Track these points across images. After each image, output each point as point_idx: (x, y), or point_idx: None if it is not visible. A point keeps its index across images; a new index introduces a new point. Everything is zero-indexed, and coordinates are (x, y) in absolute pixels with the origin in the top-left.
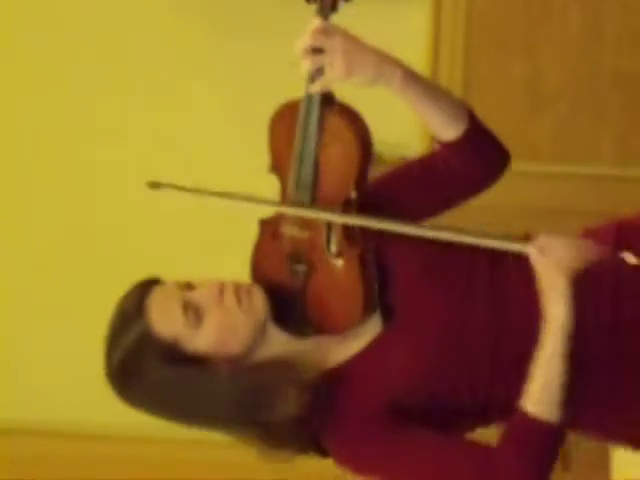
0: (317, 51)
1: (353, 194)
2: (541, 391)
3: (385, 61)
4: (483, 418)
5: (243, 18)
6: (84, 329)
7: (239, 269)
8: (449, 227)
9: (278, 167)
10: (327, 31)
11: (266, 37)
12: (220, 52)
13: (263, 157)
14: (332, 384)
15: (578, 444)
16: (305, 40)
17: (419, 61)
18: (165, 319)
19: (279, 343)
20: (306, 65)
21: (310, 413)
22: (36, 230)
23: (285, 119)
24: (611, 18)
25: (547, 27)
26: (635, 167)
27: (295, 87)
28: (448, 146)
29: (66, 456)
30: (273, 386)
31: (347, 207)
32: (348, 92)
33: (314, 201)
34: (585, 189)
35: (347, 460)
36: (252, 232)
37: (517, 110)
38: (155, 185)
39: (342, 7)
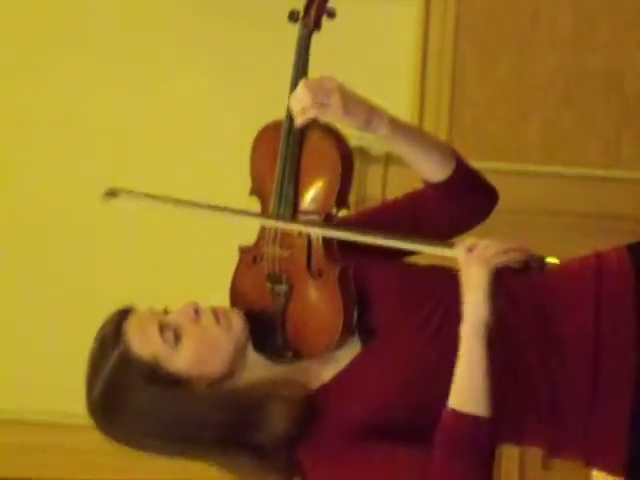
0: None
1: (334, 210)
2: (465, 385)
3: (374, 109)
4: None
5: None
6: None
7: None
8: (379, 231)
9: (259, 188)
10: (321, 80)
11: (261, 26)
12: (214, 41)
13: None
14: (314, 405)
15: None
16: (305, 94)
17: (407, 64)
18: (143, 340)
19: (259, 369)
20: (308, 100)
21: (295, 432)
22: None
23: (265, 141)
24: (600, 21)
25: (536, 29)
26: (622, 168)
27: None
28: (437, 187)
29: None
30: (259, 405)
31: (328, 223)
32: None
33: (295, 217)
34: (573, 190)
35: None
36: (229, 259)
37: (505, 112)
38: (112, 193)
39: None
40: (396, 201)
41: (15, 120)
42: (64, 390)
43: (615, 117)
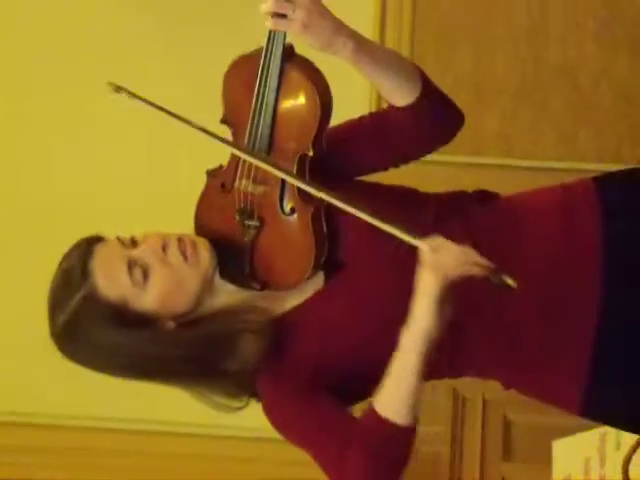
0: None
1: (310, 152)
2: (392, 391)
3: (340, 32)
4: None
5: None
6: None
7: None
8: (368, 209)
9: (232, 118)
10: None
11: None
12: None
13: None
14: (276, 332)
15: (520, 436)
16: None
17: None
18: (111, 281)
19: (225, 294)
20: (270, 6)
21: (264, 362)
22: None
23: (242, 70)
24: (556, 13)
25: (492, 21)
26: (578, 160)
27: None
28: (402, 110)
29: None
30: (229, 340)
31: (302, 164)
32: None
33: (269, 154)
34: (529, 182)
35: (269, 408)
36: (198, 185)
37: (462, 104)
38: (117, 88)
39: None
40: (360, 124)
41: None
42: (64, 392)
43: (571, 109)
